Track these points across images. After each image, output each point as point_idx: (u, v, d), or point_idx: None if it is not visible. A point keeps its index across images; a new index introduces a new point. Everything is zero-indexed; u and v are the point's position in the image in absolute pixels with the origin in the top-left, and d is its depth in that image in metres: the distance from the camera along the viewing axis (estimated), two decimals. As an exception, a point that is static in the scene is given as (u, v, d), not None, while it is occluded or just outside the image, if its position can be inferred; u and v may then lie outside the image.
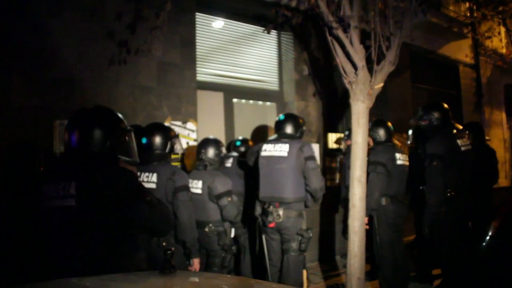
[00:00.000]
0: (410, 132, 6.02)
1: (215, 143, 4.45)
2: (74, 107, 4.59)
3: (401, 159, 5.02)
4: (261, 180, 4.54)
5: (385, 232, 4.92)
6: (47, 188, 2.26)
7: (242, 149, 5.33)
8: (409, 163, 5.14)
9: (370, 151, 4.82)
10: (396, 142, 5.32)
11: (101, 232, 2.12)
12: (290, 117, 4.70)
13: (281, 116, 4.74)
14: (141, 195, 2.25)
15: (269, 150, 4.54)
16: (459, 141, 4.78)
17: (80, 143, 2.30)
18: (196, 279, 2.04)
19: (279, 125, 4.63)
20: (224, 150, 4.54)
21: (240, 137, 5.65)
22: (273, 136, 4.69)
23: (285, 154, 4.41)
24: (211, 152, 4.38)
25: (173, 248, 1.88)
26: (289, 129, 4.57)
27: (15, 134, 4.27)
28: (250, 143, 5.53)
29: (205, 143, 4.45)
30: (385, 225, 4.92)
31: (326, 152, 7.23)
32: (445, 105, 5.01)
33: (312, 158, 4.40)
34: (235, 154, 5.20)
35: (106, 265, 2.06)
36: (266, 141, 4.73)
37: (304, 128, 4.70)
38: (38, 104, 4.55)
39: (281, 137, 4.57)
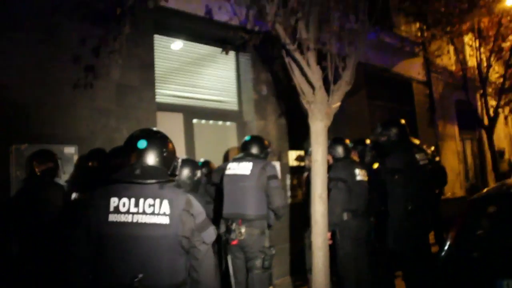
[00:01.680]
0: (368, 148, 6.17)
1: (190, 164, 4.28)
2: (31, 132, 4.60)
3: (360, 174, 5.15)
4: (225, 197, 4.63)
5: (348, 246, 5.01)
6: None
7: (204, 171, 5.32)
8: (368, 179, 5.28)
9: (331, 168, 4.93)
10: (355, 158, 5.45)
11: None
12: (256, 139, 4.88)
13: (248, 137, 4.92)
14: None
15: (233, 168, 4.64)
16: (417, 156, 4.96)
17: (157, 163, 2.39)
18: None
19: (245, 145, 4.78)
20: (199, 173, 4.34)
21: (202, 159, 5.64)
22: (238, 155, 4.79)
23: (247, 172, 4.52)
24: (184, 173, 4.17)
25: (140, 275, 1.87)
26: (254, 150, 4.72)
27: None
28: (211, 165, 5.54)
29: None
30: (347, 239, 5.01)
31: (286, 170, 7.31)
32: (403, 121, 5.20)
33: (275, 177, 4.52)
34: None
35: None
36: (231, 160, 4.81)
37: (269, 150, 4.83)
38: (-7, 129, 4.43)
39: (246, 155, 4.68)
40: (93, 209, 2.24)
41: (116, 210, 2.22)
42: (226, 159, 6.76)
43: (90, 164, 4.40)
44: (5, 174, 4.43)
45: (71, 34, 5.01)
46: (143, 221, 2.23)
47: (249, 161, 4.59)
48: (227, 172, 4.66)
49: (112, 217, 2.21)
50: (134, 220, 2.23)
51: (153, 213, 2.25)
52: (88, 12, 4.98)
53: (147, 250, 2.21)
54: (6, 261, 3.90)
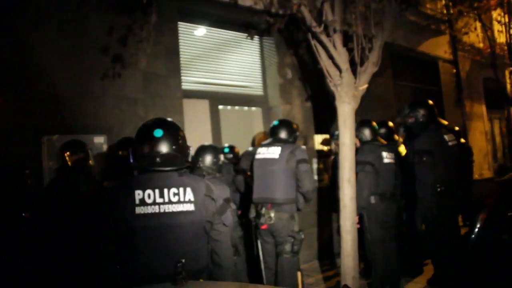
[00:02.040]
0: (401, 129, 6.10)
1: (212, 149, 4.38)
2: (61, 122, 4.70)
3: (387, 157, 5.10)
4: (255, 182, 4.66)
5: (375, 230, 4.99)
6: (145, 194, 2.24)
7: (230, 155, 5.39)
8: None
9: (358, 151, 4.90)
10: (382, 141, 5.41)
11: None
12: (284, 123, 4.84)
13: (276, 122, 4.88)
14: None
15: (262, 153, 4.65)
16: (446, 137, 4.89)
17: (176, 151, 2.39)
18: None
19: (273, 130, 4.77)
20: (222, 157, 4.49)
21: (227, 144, 5.69)
22: (267, 140, 4.80)
23: (276, 156, 4.52)
24: (208, 159, 4.28)
25: (183, 260, 1.90)
26: (282, 134, 4.70)
27: (3, 152, 4.27)
28: (236, 149, 5.59)
29: (202, 150, 4.38)
30: (375, 223, 4.99)
31: (313, 154, 7.30)
32: (430, 102, 5.12)
33: (304, 161, 4.50)
34: (224, 161, 5.24)
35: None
36: (261, 144, 4.83)
37: (298, 133, 4.81)
38: (24, 121, 4.53)
39: (275, 141, 4.67)
40: (118, 205, 2.23)
41: (142, 203, 2.23)
42: (253, 144, 6.79)
43: (120, 153, 4.45)
44: (38, 165, 4.55)
45: (98, 25, 5.07)
46: (170, 210, 2.26)
47: (278, 145, 4.59)
48: (257, 156, 4.68)
49: (139, 210, 2.22)
50: (162, 210, 2.25)
51: (178, 202, 2.29)
52: (114, 2, 5.02)
53: (178, 237, 2.26)
54: (38, 252, 4.00)
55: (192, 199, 2.32)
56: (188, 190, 2.32)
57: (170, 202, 2.26)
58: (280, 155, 4.51)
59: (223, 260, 2.48)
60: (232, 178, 5.21)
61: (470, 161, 7.69)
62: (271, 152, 4.57)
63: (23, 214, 3.86)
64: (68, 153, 4.17)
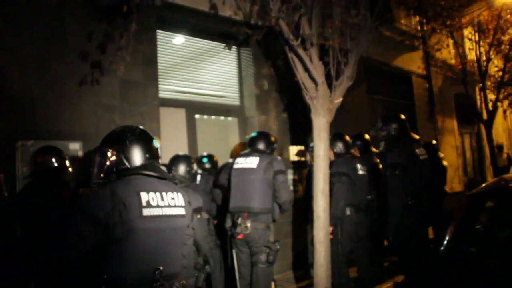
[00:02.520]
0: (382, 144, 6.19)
1: (186, 159, 4.43)
2: (36, 128, 4.64)
3: (361, 169, 5.21)
4: (232, 191, 4.71)
5: (347, 242, 5.06)
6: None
7: (208, 166, 5.45)
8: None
9: (332, 163, 4.98)
10: (355, 153, 5.51)
11: None
12: (262, 134, 4.97)
13: (254, 133, 5.00)
14: None
15: (240, 163, 4.73)
16: (417, 151, 5.01)
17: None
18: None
19: (252, 141, 4.87)
20: (195, 166, 4.54)
21: (205, 153, 5.71)
22: (245, 151, 4.88)
23: (254, 166, 4.60)
24: (181, 169, 4.34)
25: (161, 267, 1.94)
26: (261, 145, 4.80)
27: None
28: (215, 158, 5.63)
29: (176, 160, 4.42)
30: (346, 235, 5.07)
31: (288, 165, 7.35)
32: (402, 116, 5.25)
33: (282, 172, 4.60)
34: (200, 171, 5.24)
35: None
36: (238, 155, 4.89)
37: (275, 146, 4.88)
38: (-1, 125, 4.48)
39: (253, 151, 4.76)
40: (123, 205, 2.20)
41: (148, 205, 2.27)
42: (231, 155, 6.81)
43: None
44: (11, 170, 4.47)
45: (77, 30, 5.05)
46: (169, 213, 2.35)
47: (256, 155, 4.68)
48: (235, 166, 4.75)
49: (146, 212, 2.25)
50: (163, 213, 2.32)
51: (175, 205, 2.39)
52: (93, 8, 5.01)
53: (170, 240, 2.35)
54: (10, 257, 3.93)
55: (183, 203, 2.44)
56: (180, 195, 2.45)
57: (169, 205, 2.36)
58: (258, 165, 4.59)
59: (189, 263, 2.58)
60: (210, 189, 5.23)
61: (443, 175, 7.85)
62: (249, 162, 4.65)
63: None
64: (41, 158, 4.10)
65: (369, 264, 5.21)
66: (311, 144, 5.36)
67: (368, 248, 5.24)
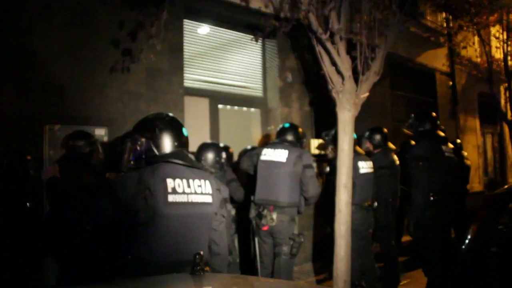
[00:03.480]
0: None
1: (214, 148, 4.41)
2: (64, 113, 4.73)
3: (364, 167, 5.19)
4: (258, 183, 4.66)
5: (351, 239, 5.07)
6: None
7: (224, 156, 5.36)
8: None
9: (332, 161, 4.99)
10: (360, 150, 5.42)
11: None
12: (294, 127, 4.91)
13: (286, 124, 4.95)
14: None
15: (268, 154, 4.67)
16: (443, 147, 5.00)
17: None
18: (224, 280, 2.17)
19: (283, 131, 4.82)
20: (224, 155, 4.50)
21: (221, 144, 5.64)
22: (274, 141, 4.85)
23: (283, 159, 4.56)
24: (210, 157, 4.32)
25: (201, 252, 2.00)
26: (290, 137, 4.75)
27: (5, 140, 4.29)
28: (231, 150, 5.54)
29: (204, 148, 4.40)
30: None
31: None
32: (434, 114, 5.26)
33: (311, 166, 4.59)
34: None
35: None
36: (266, 145, 4.87)
37: (304, 140, 4.85)
38: (28, 109, 4.57)
39: (282, 141, 4.72)
40: (149, 191, 2.27)
41: (174, 191, 2.32)
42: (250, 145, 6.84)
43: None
44: (39, 154, 4.56)
45: (106, 18, 5.12)
46: (196, 200, 2.40)
47: (285, 147, 4.63)
48: (262, 158, 4.69)
49: (171, 198, 2.31)
50: (189, 200, 2.37)
51: (201, 193, 2.43)
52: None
53: (196, 227, 2.41)
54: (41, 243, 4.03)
55: (210, 191, 2.48)
56: (207, 183, 2.49)
57: (195, 192, 2.40)
58: (287, 158, 4.55)
59: (222, 249, 2.62)
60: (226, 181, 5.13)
61: (466, 174, 7.82)
62: (278, 154, 4.60)
63: (28, 204, 3.89)
64: (72, 142, 4.18)
65: (372, 262, 5.24)
66: (327, 138, 5.37)
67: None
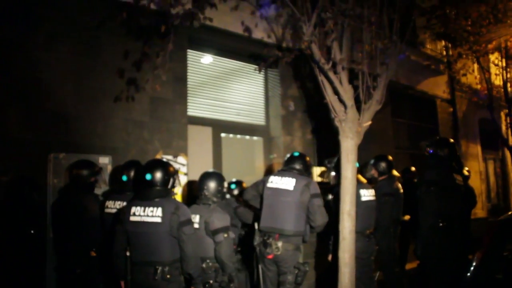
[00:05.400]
0: None
1: (216, 176, 4.36)
2: (68, 141, 4.78)
3: (366, 195, 5.18)
4: (264, 210, 4.62)
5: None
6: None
7: (236, 192, 5.29)
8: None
9: (333, 189, 4.99)
10: (361, 179, 5.39)
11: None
12: (303, 156, 4.90)
13: (295, 153, 4.96)
14: None
15: (275, 182, 4.65)
16: (455, 175, 4.99)
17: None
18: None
19: (291, 160, 4.81)
20: (225, 184, 4.49)
21: (234, 179, 5.50)
22: (281, 168, 4.85)
23: (291, 188, 4.54)
24: (212, 186, 4.26)
25: (211, 281, 2.06)
26: (299, 166, 4.75)
27: (11, 167, 4.32)
28: (244, 185, 5.42)
29: (206, 177, 4.35)
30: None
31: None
32: (452, 140, 5.24)
33: (318, 195, 4.54)
34: (228, 196, 4.94)
35: None
36: (273, 173, 4.88)
37: (311, 170, 4.86)
38: (33, 137, 4.62)
39: (290, 169, 4.72)
40: (123, 214, 3.66)
41: (133, 214, 3.60)
42: (252, 173, 6.86)
43: (125, 174, 4.48)
44: (43, 181, 4.59)
45: (112, 48, 5.22)
46: (146, 220, 3.57)
47: (292, 176, 4.62)
48: (269, 185, 4.66)
49: (132, 218, 3.59)
50: (142, 220, 3.57)
51: (152, 216, 3.57)
52: (130, 29, 5.14)
53: (150, 238, 3.56)
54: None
55: (160, 214, 3.56)
56: (159, 209, 3.58)
57: (147, 215, 3.57)
58: (294, 187, 4.53)
59: (187, 253, 3.61)
60: (234, 211, 4.94)
61: (472, 201, 7.81)
62: (285, 183, 4.59)
63: (32, 232, 3.91)
64: (76, 172, 4.22)
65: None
66: (329, 165, 5.39)
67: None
